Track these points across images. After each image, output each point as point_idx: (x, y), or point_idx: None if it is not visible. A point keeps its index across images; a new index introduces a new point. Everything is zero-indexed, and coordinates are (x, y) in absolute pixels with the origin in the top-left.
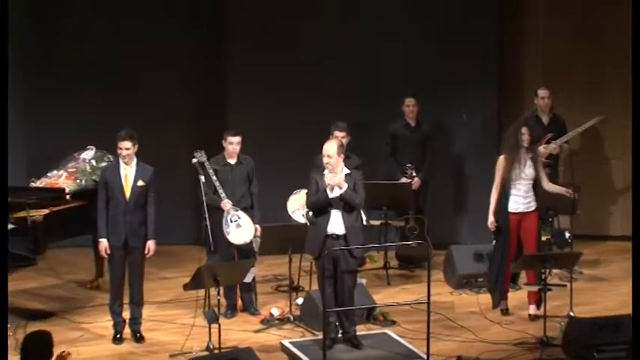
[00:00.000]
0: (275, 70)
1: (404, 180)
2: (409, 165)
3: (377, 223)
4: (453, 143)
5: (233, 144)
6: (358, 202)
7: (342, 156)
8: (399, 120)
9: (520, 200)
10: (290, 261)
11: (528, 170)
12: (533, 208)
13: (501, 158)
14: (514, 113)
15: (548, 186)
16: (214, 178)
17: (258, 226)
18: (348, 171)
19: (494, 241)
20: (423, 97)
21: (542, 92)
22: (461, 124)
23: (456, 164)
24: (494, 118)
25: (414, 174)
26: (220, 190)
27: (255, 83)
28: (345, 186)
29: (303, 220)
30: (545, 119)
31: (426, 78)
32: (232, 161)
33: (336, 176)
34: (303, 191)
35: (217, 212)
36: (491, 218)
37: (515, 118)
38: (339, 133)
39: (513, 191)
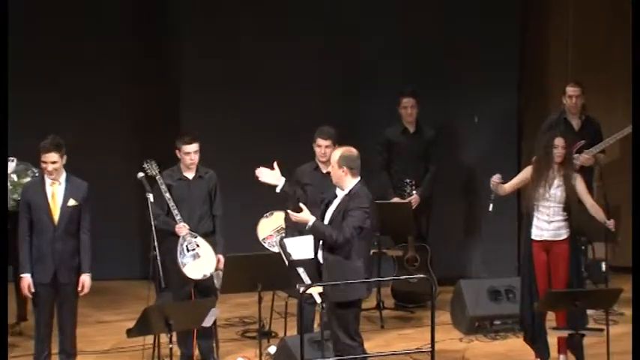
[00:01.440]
0: (238, 64)
1: (396, 199)
2: (408, 181)
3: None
4: (462, 152)
5: (190, 154)
6: (335, 238)
7: (346, 170)
8: (395, 124)
9: (544, 226)
10: (260, 300)
11: (555, 192)
12: (563, 237)
13: (529, 168)
14: (538, 115)
15: (593, 209)
16: (167, 195)
17: (221, 257)
18: (349, 188)
19: (519, 275)
20: (425, 95)
21: (571, 90)
22: (472, 128)
23: (466, 179)
24: (513, 122)
25: (414, 191)
26: (175, 212)
27: (214, 81)
28: (311, 220)
29: (276, 249)
30: (575, 123)
31: (429, 73)
32: (190, 175)
33: (303, 212)
34: (278, 213)
35: (170, 239)
36: (496, 176)
37: (539, 123)
38: (322, 142)
39: (536, 214)
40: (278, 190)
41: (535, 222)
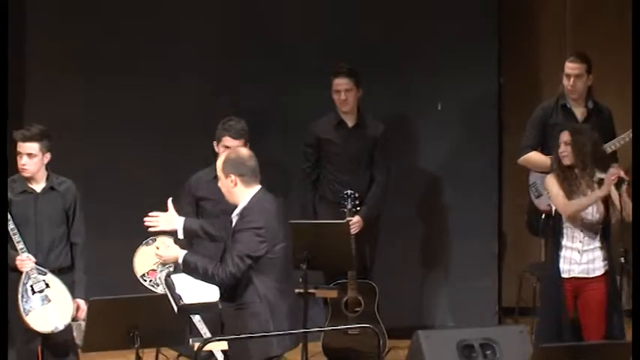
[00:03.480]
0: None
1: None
2: (349, 192)
3: None
4: (422, 155)
5: (22, 155)
6: (213, 274)
7: (235, 178)
8: (328, 115)
9: (574, 257)
10: None
11: (593, 209)
12: (599, 273)
13: (550, 179)
14: (525, 101)
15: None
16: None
17: (81, 302)
18: (245, 203)
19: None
20: (368, 75)
21: (571, 66)
22: (434, 120)
23: (426, 191)
24: (492, 110)
25: (356, 208)
26: (16, 237)
27: (65, 56)
28: (180, 255)
29: (161, 290)
30: (578, 112)
31: (374, 47)
32: (37, 187)
33: (167, 248)
34: (163, 239)
35: (9, 276)
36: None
37: (528, 112)
38: (231, 142)
39: (564, 241)
40: (180, 235)
41: (564, 251)
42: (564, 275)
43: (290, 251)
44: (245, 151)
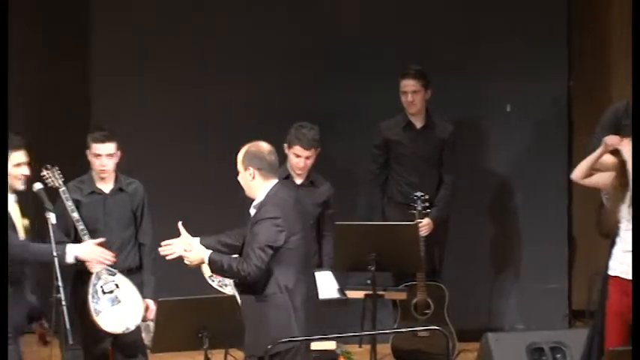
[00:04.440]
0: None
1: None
2: (418, 195)
3: (359, 294)
4: (491, 156)
5: (101, 157)
6: (237, 270)
7: (254, 171)
8: (396, 117)
9: (626, 259)
10: None
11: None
12: None
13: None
14: (596, 103)
15: None
16: (75, 215)
17: (150, 302)
18: (262, 197)
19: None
20: (438, 77)
21: None
22: (504, 122)
23: (495, 192)
24: (562, 112)
25: (427, 210)
26: (85, 238)
27: (136, 60)
28: (205, 256)
29: (229, 291)
30: None
31: (443, 49)
32: (106, 187)
33: (192, 251)
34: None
35: (79, 277)
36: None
37: (598, 114)
38: (302, 152)
39: (617, 238)
40: (206, 259)
41: (616, 249)
42: (610, 272)
43: (309, 242)
44: (265, 146)
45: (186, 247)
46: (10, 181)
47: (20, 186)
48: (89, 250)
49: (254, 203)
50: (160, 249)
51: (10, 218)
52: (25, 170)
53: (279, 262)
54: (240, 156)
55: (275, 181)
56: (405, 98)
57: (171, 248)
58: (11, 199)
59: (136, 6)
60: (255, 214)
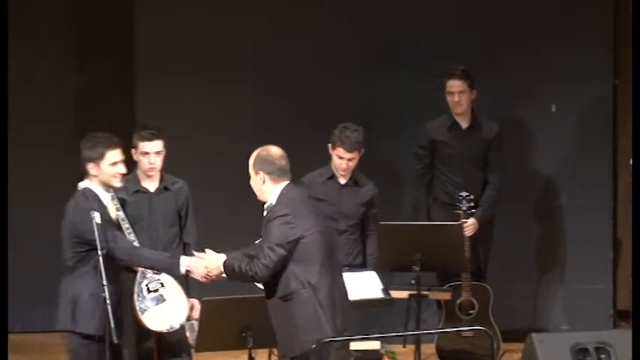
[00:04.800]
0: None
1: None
2: (464, 194)
3: (403, 294)
4: (536, 156)
5: (149, 155)
6: (246, 270)
7: (264, 176)
8: (441, 117)
9: None
10: None
11: None
12: None
13: None
14: None
15: None
16: (120, 214)
17: (195, 301)
18: (272, 201)
19: None
20: (482, 76)
21: None
22: (549, 122)
23: (540, 193)
24: (607, 112)
25: (472, 210)
26: (131, 237)
27: (181, 59)
28: (220, 263)
29: None
30: None
31: (487, 45)
32: (151, 186)
33: (209, 260)
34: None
35: (124, 276)
36: None
37: None
38: (345, 154)
39: None
40: (222, 267)
41: None
42: None
43: (328, 238)
44: (275, 150)
45: (206, 264)
46: (107, 179)
47: (117, 184)
48: (199, 266)
49: (265, 206)
50: (189, 274)
51: (116, 220)
52: (122, 168)
53: (298, 258)
54: (250, 160)
55: (285, 183)
56: (451, 98)
57: (193, 275)
58: (107, 197)
59: (179, 6)
60: (266, 216)
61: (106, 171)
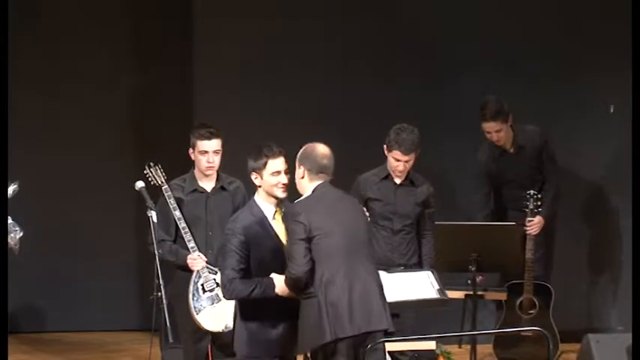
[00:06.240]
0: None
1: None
2: (531, 192)
3: (459, 294)
4: (591, 157)
5: (208, 154)
6: (291, 277)
7: (304, 171)
8: (488, 145)
9: None
10: None
11: None
12: None
13: None
14: None
15: None
16: (177, 214)
17: None
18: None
19: None
20: (542, 79)
21: None
22: (606, 123)
23: (597, 193)
24: None
25: (538, 208)
26: (187, 237)
27: (238, 58)
28: (276, 281)
29: None
30: None
31: (545, 45)
32: (208, 186)
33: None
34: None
35: (180, 275)
36: None
37: None
38: (401, 156)
39: None
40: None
41: None
42: None
43: (350, 238)
44: (321, 148)
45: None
46: (269, 189)
47: (281, 194)
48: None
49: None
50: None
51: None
52: (283, 178)
53: (319, 258)
54: (299, 153)
55: (318, 182)
56: (490, 137)
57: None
58: (271, 209)
59: (237, 12)
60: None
61: (268, 180)
